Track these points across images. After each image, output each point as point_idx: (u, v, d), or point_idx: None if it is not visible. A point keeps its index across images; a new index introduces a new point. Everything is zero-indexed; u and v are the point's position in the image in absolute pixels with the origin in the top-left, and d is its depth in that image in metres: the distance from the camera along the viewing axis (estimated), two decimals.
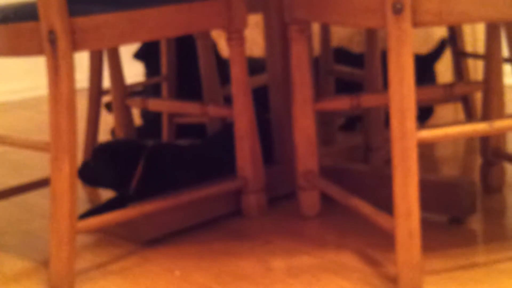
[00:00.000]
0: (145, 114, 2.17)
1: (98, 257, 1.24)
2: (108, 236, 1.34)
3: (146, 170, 1.35)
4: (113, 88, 1.64)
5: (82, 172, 1.39)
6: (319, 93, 1.98)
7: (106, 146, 1.39)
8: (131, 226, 1.28)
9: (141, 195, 1.31)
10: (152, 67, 2.21)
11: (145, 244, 1.28)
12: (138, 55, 2.18)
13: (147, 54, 2.19)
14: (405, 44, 0.98)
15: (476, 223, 1.27)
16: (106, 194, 1.61)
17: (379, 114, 1.65)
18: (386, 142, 1.45)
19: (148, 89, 2.16)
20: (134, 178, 1.35)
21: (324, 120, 1.97)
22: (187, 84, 2.03)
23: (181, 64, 2.00)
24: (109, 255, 1.25)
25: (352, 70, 2.01)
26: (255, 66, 1.88)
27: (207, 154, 1.47)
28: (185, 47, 2.07)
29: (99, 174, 1.38)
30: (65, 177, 1.10)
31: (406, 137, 0.99)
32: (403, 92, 0.99)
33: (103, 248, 1.29)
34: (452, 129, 1.03)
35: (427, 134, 1.01)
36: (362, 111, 1.69)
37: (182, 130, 1.95)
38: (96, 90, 1.77)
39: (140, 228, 1.27)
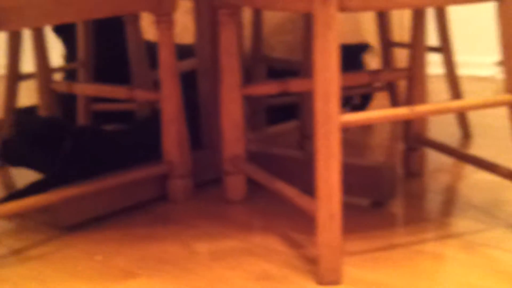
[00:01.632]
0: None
1: (17, 242, 1.22)
2: (28, 222, 1.31)
3: (71, 152, 1.33)
4: (38, 71, 1.60)
5: (5, 152, 1.36)
6: (249, 80, 1.98)
7: (31, 125, 1.36)
8: (52, 211, 1.26)
9: (65, 177, 1.29)
10: (70, 43, 2.16)
11: (66, 230, 1.25)
12: (57, 29, 2.12)
13: (65, 29, 2.14)
14: (331, 29, 0.99)
15: (396, 206, 1.30)
16: (21, 178, 1.57)
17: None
18: None
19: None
20: (59, 160, 1.33)
21: (254, 107, 1.98)
22: (108, 70, 2.00)
23: (101, 49, 1.97)
24: (28, 241, 1.22)
25: (286, 58, 2.02)
26: (184, 52, 1.86)
27: (134, 139, 1.46)
28: (106, 31, 2.04)
29: (24, 154, 1.35)
30: None
31: (329, 121, 1.00)
32: (327, 77, 1.00)
33: (22, 234, 1.26)
34: (374, 113, 1.05)
35: (350, 118, 1.03)
36: (298, 98, 1.70)
37: (105, 117, 1.91)
38: (14, 74, 1.72)
39: (62, 213, 1.25)
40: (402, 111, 1.07)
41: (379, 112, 1.07)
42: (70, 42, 2.18)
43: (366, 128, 1.99)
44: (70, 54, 2.16)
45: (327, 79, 1.00)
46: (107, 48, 2.05)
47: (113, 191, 1.31)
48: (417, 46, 1.43)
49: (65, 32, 2.17)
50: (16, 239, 1.23)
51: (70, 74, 2.08)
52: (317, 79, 1.00)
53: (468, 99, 1.09)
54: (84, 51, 1.87)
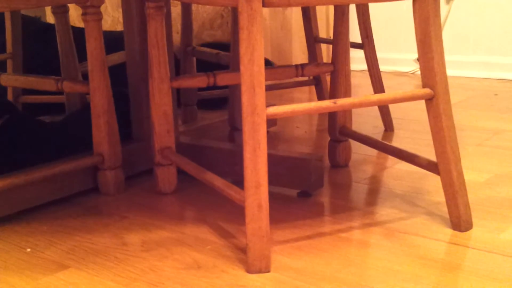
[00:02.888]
0: None
1: None
2: None
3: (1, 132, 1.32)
4: None
5: None
6: (179, 74, 1.99)
7: None
8: None
9: None
10: None
11: None
12: None
13: None
14: (256, 23, 1.02)
15: (323, 196, 1.35)
16: None
17: None
18: None
19: None
20: None
21: (185, 100, 1.99)
22: (34, 63, 1.97)
23: (27, 42, 1.94)
24: None
25: (215, 51, 2.04)
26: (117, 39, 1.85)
27: (67, 131, 1.45)
28: (30, 24, 2.01)
29: None
30: None
31: (255, 113, 1.03)
32: (253, 70, 1.03)
33: None
34: (299, 106, 1.09)
35: (276, 110, 1.06)
36: (228, 91, 1.72)
37: (35, 109, 1.89)
38: None
39: None
40: (325, 104, 1.11)
41: (304, 105, 1.10)
42: None
43: (294, 121, 2.04)
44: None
45: (253, 72, 1.02)
46: (35, 39, 2.02)
47: (42, 183, 1.30)
48: (340, 41, 1.47)
49: None
50: None
51: None
52: (243, 72, 1.03)
53: (388, 93, 1.14)
54: (12, 42, 1.84)
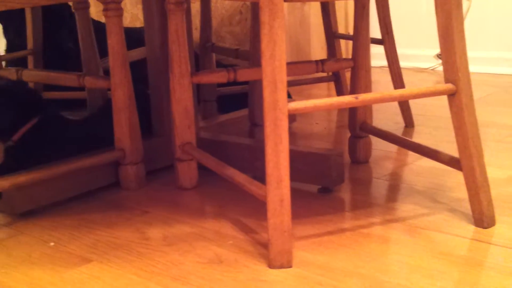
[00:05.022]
0: None
1: None
2: None
3: (34, 130, 1.34)
4: None
5: None
6: (198, 70, 2.00)
7: (6, 88, 1.37)
8: (5, 198, 1.25)
9: (19, 152, 1.30)
10: (9, 34, 2.14)
11: (19, 216, 1.25)
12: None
13: (4, 18, 2.12)
14: (277, 18, 1.02)
15: (344, 192, 1.35)
16: None
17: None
18: None
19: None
20: (19, 132, 1.33)
21: (204, 96, 2.00)
22: (54, 58, 1.99)
23: (48, 38, 1.96)
24: None
25: (235, 48, 2.05)
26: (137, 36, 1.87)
27: (93, 130, 1.46)
28: (52, 19, 2.03)
29: None
30: None
31: (277, 108, 1.03)
32: (275, 65, 1.03)
33: None
34: (320, 101, 1.09)
35: (297, 105, 1.06)
36: (248, 87, 1.72)
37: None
38: None
39: (14, 200, 1.24)
40: (347, 99, 1.11)
41: (325, 100, 1.10)
42: (12, 33, 2.15)
43: (313, 118, 2.04)
44: (12, 45, 2.14)
45: (275, 68, 1.02)
46: (53, 37, 2.04)
47: (65, 178, 1.32)
48: (361, 37, 1.47)
49: (7, 22, 2.15)
50: None
51: (14, 65, 2.06)
52: (265, 67, 1.03)
53: (410, 88, 1.14)
54: (33, 39, 1.85)
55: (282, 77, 1.03)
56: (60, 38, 2.09)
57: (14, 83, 1.46)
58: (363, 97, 1.10)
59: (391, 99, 1.13)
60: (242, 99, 1.87)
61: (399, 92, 1.13)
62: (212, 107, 2.02)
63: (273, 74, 1.03)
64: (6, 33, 2.17)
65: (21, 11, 2.04)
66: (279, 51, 1.03)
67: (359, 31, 1.46)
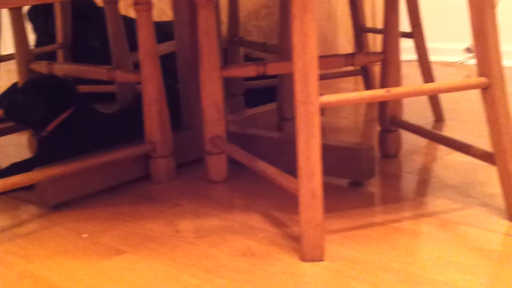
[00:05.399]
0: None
1: (4, 221, 1.23)
2: (14, 200, 1.32)
3: (67, 122, 1.37)
4: (18, 52, 1.60)
5: (9, 108, 1.39)
6: (228, 63, 2.00)
7: (40, 80, 1.40)
8: (39, 190, 1.27)
9: (51, 144, 1.32)
10: (39, 30, 2.17)
11: (52, 208, 1.27)
12: (28, 15, 2.13)
13: (34, 15, 2.15)
14: (308, 11, 1.01)
15: (374, 186, 1.34)
16: (2, 158, 1.58)
17: (293, 84, 1.69)
18: None
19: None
20: (53, 123, 1.36)
21: (232, 90, 2.00)
22: (80, 55, 2.00)
23: (73, 34, 1.98)
24: (15, 219, 1.23)
25: (262, 42, 2.04)
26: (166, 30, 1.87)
27: (124, 123, 1.48)
28: (77, 15, 2.04)
29: (24, 109, 1.38)
30: None
31: (309, 102, 1.03)
32: (306, 58, 1.02)
33: (9, 212, 1.27)
34: (351, 94, 1.08)
35: (329, 98, 1.06)
36: (277, 81, 1.72)
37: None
38: None
39: (48, 192, 1.26)
40: (379, 93, 1.11)
41: (357, 93, 1.10)
42: (41, 28, 2.18)
43: (341, 111, 2.03)
44: (40, 40, 2.16)
45: (306, 61, 1.02)
46: (81, 32, 2.06)
47: (96, 171, 1.33)
48: (391, 30, 1.46)
49: (37, 18, 2.18)
50: (3, 218, 1.24)
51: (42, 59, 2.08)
52: (296, 61, 1.03)
53: (442, 82, 1.13)
54: (62, 34, 1.87)
55: (314, 70, 1.03)
56: (86, 35, 2.11)
57: (47, 76, 1.48)
58: (395, 91, 1.10)
59: (423, 93, 1.12)
60: (270, 93, 1.87)
61: (432, 86, 1.13)
62: (239, 101, 2.02)
63: (305, 67, 1.03)
64: (35, 30, 2.20)
65: (49, 9, 2.06)
66: (310, 44, 1.02)
67: (389, 24, 1.45)
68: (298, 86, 1.03)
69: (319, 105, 1.03)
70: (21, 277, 1.00)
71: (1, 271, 1.03)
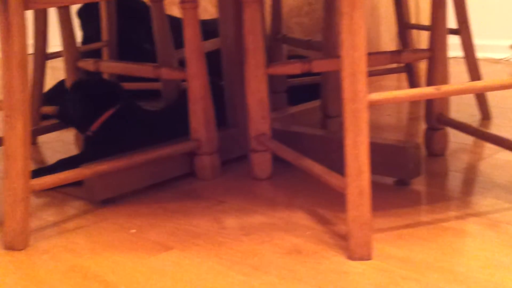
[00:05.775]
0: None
1: (52, 216, 1.25)
2: (63, 196, 1.34)
3: (111, 121, 1.38)
4: (65, 49, 1.62)
5: (60, 111, 1.43)
6: (271, 61, 2.00)
7: (85, 82, 1.43)
8: (87, 186, 1.29)
9: (97, 141, 1.34)
10: (88, 28, 2.19)
11: (99, 204, 1.29)
12: (78, 14, 2.16)
13: (84, 14, 2.18)
14: (358, 8, 1.01)
15: (420, 185, 1.33)
16: (49, 155, 1.61)
17: (337, 82, 1.68)
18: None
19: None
20: (97, 122, 1.38)
21: (274, 87, 2.00)
22: (129, 50, 2.02)
23: (122, 30, 2.00)
24: (63, 214, 1.26)
25: (306, 39, 2.03)
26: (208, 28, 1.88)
27: (169, 121, 1.49)
28: (127, 12, 2.06)
29: (69, 110, 1.41)
30: (18, 135, 1.09)
31: (357, 99, 1.02)
32: (354, 56, 1.02)
33: (58, 208, 1.29)
34: (400, 92, 1.07)
35: (377, 96, 1.05)
36: (320, 78, 1.71)
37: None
38: (41, 53, 1.75)
39: (95, 187, 1.28)
40: (428, 91, 1.09)
41: (407, 91, 1.09)
42: (88, 27, 2.21)
43: (385, 109, 2.01)
44: (87, 38, 2.19)
45: (355, 58, 1.02)
46: (127, 30, 2.07)
47: (143, 167, 1.34)
48: (438, 26, 1.44)
49: (85, 16, 2.21)
50: (52, 212, 1.26)
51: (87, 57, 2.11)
52: (345, 58, 1.02)
53: (494, 79, 1.11)
54: (108, 32, 1.89)
55: (362, 67, 1.02)
56: (137, 37, 2.13)
57: (92, 76, 1.50)
58: (445, 88, 1.08)
59: (474, 91, 1.11)
60: (312, 90, 1.86)
61: (483, 83, 1.11)
62: (282, 98, 2.01)
63: (353, 65, 1.02)
64: (83, 28, 2.23)
65: (96, 8, 2.08)
66: (359, 41, 1.02)
67: (436, 21, 1.43)
68: (346, 84, 1.02)
69: (368, 102, 1.02)
70: (71, 271, 1.02)
71: (51, 265, 1.04)
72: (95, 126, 1.41)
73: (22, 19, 1.09)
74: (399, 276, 0.96)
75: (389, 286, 0.93)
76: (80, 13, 2.20)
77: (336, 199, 1.24)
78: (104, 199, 1.29)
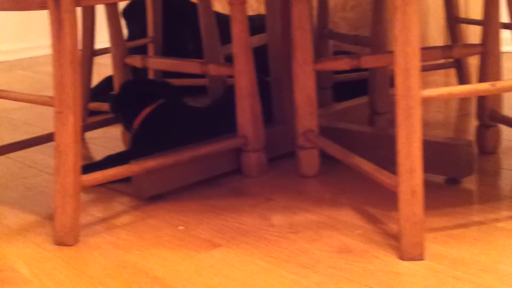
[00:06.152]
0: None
1: (101, 212, 1.26)
2: (111, 192, 1.35)
3: (151, 117, 1.39)
4: (113, 46, 1.63)
5: (112, 107, 1.51)
6: (317, 56, 1.98)
7: (130, 81, 1.50)
8: (135, 182, 1.29)
9: (143, 137, 1.35)
10: (133, 27, 2.21)
11: (147, 200, 1.29)
12: (123, 13, 2.18)
13: (129, 13, 2.19)
14: (411, 3, 0.98)
15: (472, 183, 1.30)
16: (97, 151, 1.62)
17: (385, 78, 1.65)
18: (391, 105, 1.46)
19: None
20: (138, 118, 1.40)
21: (320, 83, 1.98)
22: (172, 50, 2.03)
23: (167, 27, 2.00)
24: (112, 210, 1.26)
25: (353, 34, 2.00)
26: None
27: (215, 117, 1.49)
28: (172, 9, 2.07)
29: (118, 108, 1.45)
30: (69, 131, 1.10)
31: (410, 95, 1.00)
32: (408, 51, 0.99)
33: (106, 203, 1.30)
34: (455, 88, 1.05)
35: (431, 93, 1.02)
36: (368, 74, 1.69)
37: None
38: (88, 49, 1.77)
39: (143, 184, 1.28)
40: (484, 87, 1.06)
41: (461, 87, 1.06)
42: (133, 27, 2.23)
43: (433, 106, 1.97)
44: (132, 38, 2.21)
45: (408, 53, 0.99)
46: (173, 27, 2.08)
47: (190, 164, 1.34)
48: (491, 21, 1.40)
49: (130, 16, 2.22)
50: (101, 209, 1.27)
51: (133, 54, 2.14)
52: (398, 54, 1.00)
53: None
54: (154, 28, 1.90)
55: (416, 63, 1.00)
56: (182, 37, 2.14)
57: (138, 75, 1.54)
58: (501, 84, 1.05)
59: None
60: (359, 86, 1.84)
61: None
62: (327, 94, 1.99)
63: (406, 60, 1.00)
64: (128, 28, 2.25)
65: (141, 8, 2.10)
66: (412, 37, 0.99)
67: (489, 15, 1.40)
68: (399, 80, 1.00)
69: (421, 99, 1.00)
70: (121, 267, 1.02)
71: (101, 261, 1.05)
72: (136, 123, 1.43)
73: (74, 15, 1.10)
74: (453, 277, 0.93)
75: (442, 287, 0.91)
76: (125, 13, 2.22)
77: (384, 197, 1.22)
78: (152, 195, 1.29)
